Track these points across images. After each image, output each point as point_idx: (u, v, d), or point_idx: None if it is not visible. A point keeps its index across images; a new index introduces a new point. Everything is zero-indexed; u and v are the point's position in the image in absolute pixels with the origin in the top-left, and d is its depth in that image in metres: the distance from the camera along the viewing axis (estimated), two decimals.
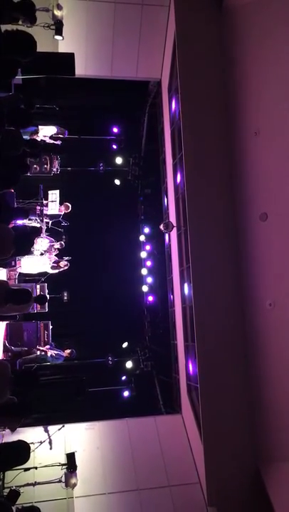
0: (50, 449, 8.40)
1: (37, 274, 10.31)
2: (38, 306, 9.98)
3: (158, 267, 12.66)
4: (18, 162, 6.30)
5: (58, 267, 10.36)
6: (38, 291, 10.14)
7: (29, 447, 4.70)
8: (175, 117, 9.98)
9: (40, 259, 10.21)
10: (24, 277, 10.36)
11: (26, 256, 10.03)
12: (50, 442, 8.49)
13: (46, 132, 10.46)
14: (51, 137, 10.59)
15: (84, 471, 8.14)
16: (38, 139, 10.11)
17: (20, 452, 4.63)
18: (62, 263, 10.34)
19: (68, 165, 12.04)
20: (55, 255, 10.51)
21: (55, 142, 10.68)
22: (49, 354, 9.39)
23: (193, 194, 8.42)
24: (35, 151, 8.18)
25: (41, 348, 9.42)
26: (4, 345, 9.02)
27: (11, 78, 5.15)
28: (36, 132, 10.23)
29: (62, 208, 10.80)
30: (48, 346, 9.60)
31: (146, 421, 9.69)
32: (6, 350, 9.11)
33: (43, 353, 9.43)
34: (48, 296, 10.07)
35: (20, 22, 5.04)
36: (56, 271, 10.37)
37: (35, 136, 10.13)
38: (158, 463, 8.62)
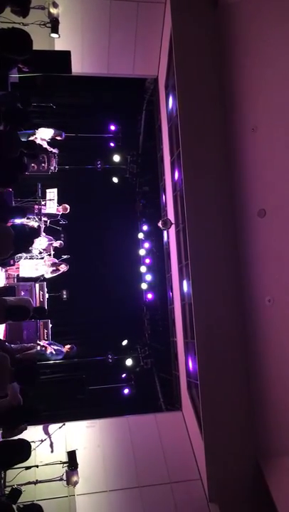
0: (52, 449, 8.43)
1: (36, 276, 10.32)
2: (38, 303, 9.98)
3: (157, 264, 12.67)
4: (16, 163, 6.29)
5: (57, 270, 10.35)
6: (38, 290, 10.12)
7: (30, 445, 4.73)
8: (172, 114, 9.97)
9: (38, 264, 10.18)
10: (23, 277, 10.36)
11: (25, 256, 10.03)
12: (51, 442, 8.50)
13: (43, 135, 10.42)
14: (49, 143, 10.57)
15: (85, 468, 8.15)
16: (36, 142, 10.07)
17: (22, 450, 4.65)
18: (62, 266, 10.32)
19: (66, 163, 12.03)
20: (53, 255, 10.50)
21: (53, 150, 10.67)
22: (48, 351, 9.35)
23: (191, 191, 8.42)
24: (32, 152, 8.16)
25: (41, 344, 9.38)
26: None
27: (7, 76, 5.14)
28: (33, 135, 10.20)
29: (61, 208, 10.78)
30: (48, 342, 9.57)
31: (146, 418, 9.71)
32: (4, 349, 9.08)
33: (43, 348, 9.40)
34: (46, 305, 10.07)
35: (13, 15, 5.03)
36: (55, 274, 10.36)
37: (32, 138, 10.10)
38: (159, 460, 8.64)
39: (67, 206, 10.80)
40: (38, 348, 9.31)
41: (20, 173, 6.28)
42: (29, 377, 4.91)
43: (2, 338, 8.83)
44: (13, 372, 4.69)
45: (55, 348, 9.39)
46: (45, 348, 9.25)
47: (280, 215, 7.79)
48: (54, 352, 9.32)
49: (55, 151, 10.72)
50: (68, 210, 10.82)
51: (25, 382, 4.94)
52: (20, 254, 9.72)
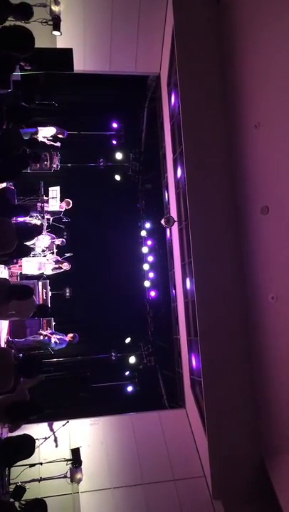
0: (56, 446, 8.45)
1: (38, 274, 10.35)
2: (41, 300, 10.00)
3: (160, 261, 12.68)
4: (19, 159, 6.29)
5: (60, 268, 10.37)
6: (40, 287, 10.15)
7: (34, 441, 4.73)
8: (175, 111, 9.94)
9: (41, 261, 10.21)
10: (26, 275, 10.38)
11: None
12: (55, 440, 8.53)
13: (45, 133, 10.44)
14: (50, 139, 10.59)
15: (89, 466, 8.18)
16: (38, 140, 10.09)
17: (25, 446, 4.66)
18: (64, 265, 10.34)
19: (68, 161, 12.04)
20: (56, 253, 10.52)
21: (54, 144, 10.68)
22: (53, 340, 9.41)
23: (194, 188, 8.40)
24: (35, 151, 8.17)
25: (44, 333, 9.45)
26: (7, 340, 9.04)
27: (9, 74, 5.13)
28: (36, 133, 10.21)
29: (64, 204, 10.82)
30: (50, 331, 9.64)
31: (150, 416, 9.72)
32: (9, 346, 9.12)
33: (46, 338, 9.45)
34: (49, 303, 10.10)
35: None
36: (56, 272, 10.39)
37: (34, 137, 10.11)
38: (162, 457, 8.66)
39: (70, 201, 10.85)
40: (41, 337, 9.38)
41: (23, 168, 6.28)
42: (31, 369, 4.92)
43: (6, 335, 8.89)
44: (16, 366, 4.71)
45: (58, 337, 9.47)
46: (49, 337, 9.33)
47: (284, 212, 7.76)
48: (57, 341, 9.41)
49: (57, 145, 10.72)
50: (71, 205, 10.84)
51: (28, 374, 4.96)
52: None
